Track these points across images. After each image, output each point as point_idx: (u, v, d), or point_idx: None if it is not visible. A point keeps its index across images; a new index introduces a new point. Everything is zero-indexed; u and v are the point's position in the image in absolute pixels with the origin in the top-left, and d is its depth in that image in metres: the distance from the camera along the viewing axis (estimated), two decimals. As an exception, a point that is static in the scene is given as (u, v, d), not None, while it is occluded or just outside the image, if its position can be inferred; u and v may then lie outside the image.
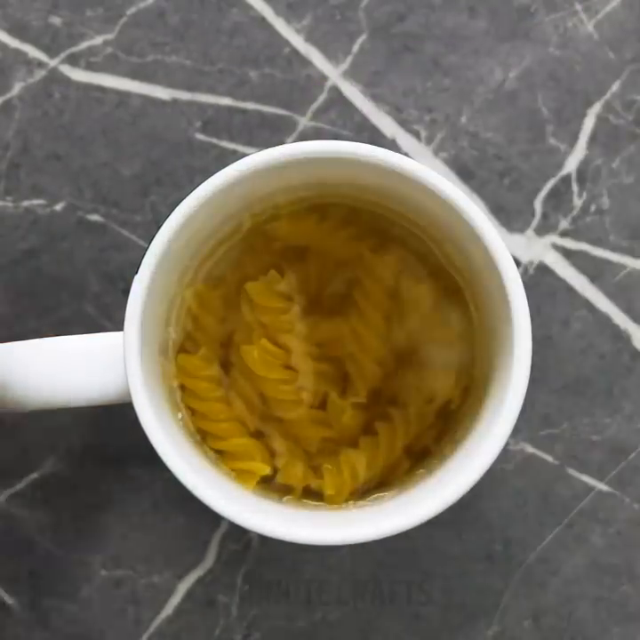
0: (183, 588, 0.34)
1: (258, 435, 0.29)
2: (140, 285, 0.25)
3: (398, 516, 0.25)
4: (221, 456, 0.29)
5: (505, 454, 0.34)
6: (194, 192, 0.26)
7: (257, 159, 0.25)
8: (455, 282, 0.29)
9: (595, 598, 0.34)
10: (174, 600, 0.34)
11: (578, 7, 0.34)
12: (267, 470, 0.28)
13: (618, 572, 0.34)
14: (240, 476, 0.28)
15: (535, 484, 0.34)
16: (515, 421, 0.25)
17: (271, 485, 0.29)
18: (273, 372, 0.29)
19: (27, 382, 0.28)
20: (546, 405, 0.34)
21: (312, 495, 0.29)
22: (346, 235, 0.29)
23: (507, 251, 0.25)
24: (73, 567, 0.34)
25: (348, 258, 0.29)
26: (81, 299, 0.34)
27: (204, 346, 0.29)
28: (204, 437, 0.29)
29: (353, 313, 0.29)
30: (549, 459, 0.34)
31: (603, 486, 0.34)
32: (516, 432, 0.34)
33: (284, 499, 0.29)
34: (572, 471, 0.34)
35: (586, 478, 0.34)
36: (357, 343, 0.29)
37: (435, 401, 0.29)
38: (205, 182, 0.25)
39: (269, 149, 0.25)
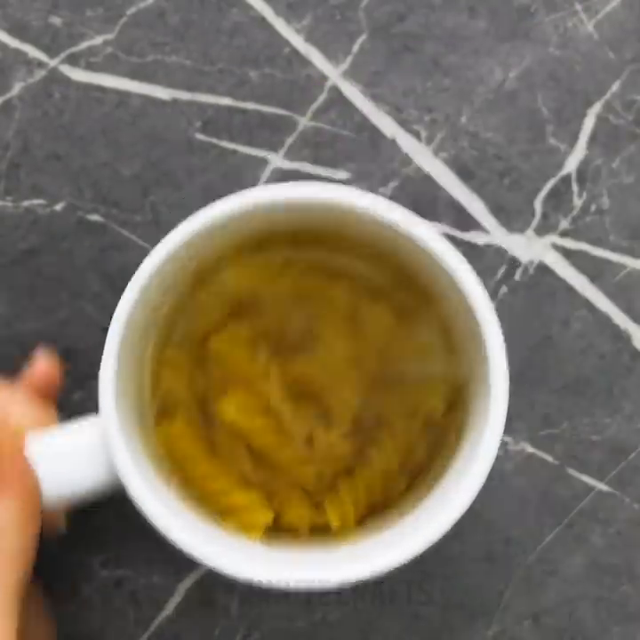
0: (183, 588, 0.34)
1: (253, 484, 0.29)
2: (107, 366, 0.25)
3: (399, 547, 0.25)
4: (221, 514, 0.28)
5: (505, 454, 0.33)
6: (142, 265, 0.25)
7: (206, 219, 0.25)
8: (420, 298, 0.28)
9: (595, 598, 0.34)
10: (174, 600, 0.34)
11: (578, 7, 0.34)
12: (269, 518, 0.28)
13: (618, 572, 0.34)
14: (245, 529, 0.28)
15: (535, 484, 0.34)
16: (492, 461, 0.25)
17: (278, 530, 0.29)
18: (255, 422, 0.28)
19: None
20: (546, 405, 0.34)
21: (319, 531, 0.29)
22: (295, 271, 0.29)
23: (479, 286, 0.24)
24: (73, 567, 0.33)
25: (303, 292, 0.29)
26: (81, 299, 0.33)
27: (181, 408, 0.28)
28: (200, 499, 0.28)
29: (319, 346, 0.29)
30: (549, 459, 0.34)
31: (603, 486, 0.34)
32: (516, 432, 0.33)
33: (291, 541, 0.28)
34: (571, 471, 0.34)
35: (586, 478, 0.34)
36: (330, 375, 0.28)
37: (418, 414, 0.29)
38: (154, 250, 0.25)
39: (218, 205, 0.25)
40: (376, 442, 0.29)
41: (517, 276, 0.34)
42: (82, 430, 0.26)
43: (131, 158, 0.34)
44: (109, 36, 0.34)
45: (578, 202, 0.34)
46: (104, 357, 0.25)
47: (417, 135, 0.34)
